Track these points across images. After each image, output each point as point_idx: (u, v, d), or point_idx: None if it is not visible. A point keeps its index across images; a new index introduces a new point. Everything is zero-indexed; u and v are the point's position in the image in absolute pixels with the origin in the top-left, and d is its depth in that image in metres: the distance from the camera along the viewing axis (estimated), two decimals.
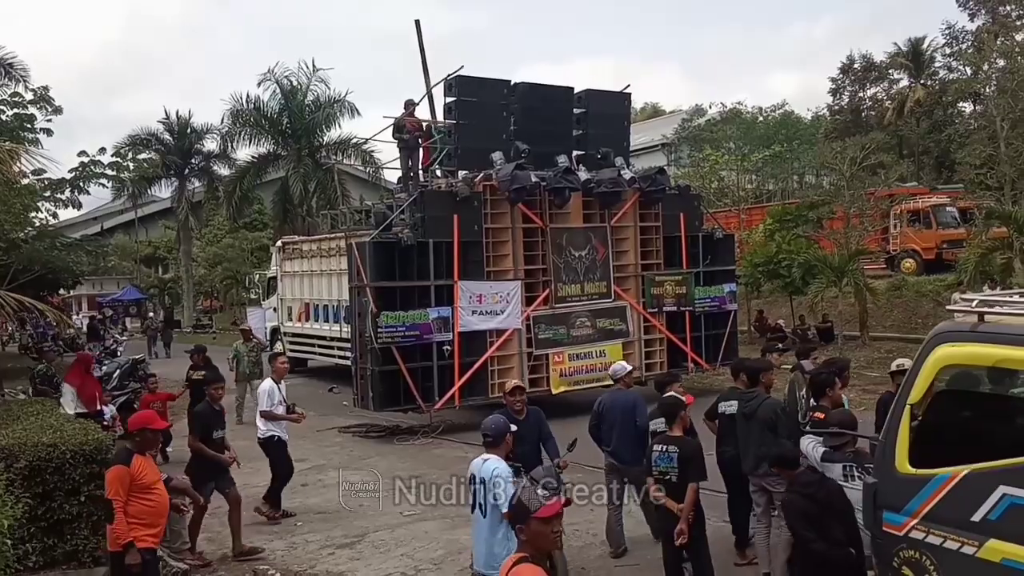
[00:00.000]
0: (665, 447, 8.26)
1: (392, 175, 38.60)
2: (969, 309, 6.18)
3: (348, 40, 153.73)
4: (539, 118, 19.90)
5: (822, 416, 7.96)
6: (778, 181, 51.19)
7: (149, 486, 7.54)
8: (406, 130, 20.05)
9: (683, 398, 9.13)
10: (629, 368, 11.46)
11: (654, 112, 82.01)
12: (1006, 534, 5.55)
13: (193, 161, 52.31)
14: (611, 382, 19.67)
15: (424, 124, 20.55)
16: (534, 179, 18.29)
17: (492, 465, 6.88)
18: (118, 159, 49.87)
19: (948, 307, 6.56)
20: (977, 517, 5.69)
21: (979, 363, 6.12)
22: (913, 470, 6.14)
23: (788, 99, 66.20)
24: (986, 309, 6.09)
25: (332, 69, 64.86)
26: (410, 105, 20.41)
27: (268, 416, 12.31)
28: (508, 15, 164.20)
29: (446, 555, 10.13)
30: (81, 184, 42.32)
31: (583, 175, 19.45)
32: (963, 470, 5.83)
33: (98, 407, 14.80)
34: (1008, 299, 6.47)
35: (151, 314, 50.56)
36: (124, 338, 30.58)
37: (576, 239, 19.56)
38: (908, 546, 6.11)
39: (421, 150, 20.46)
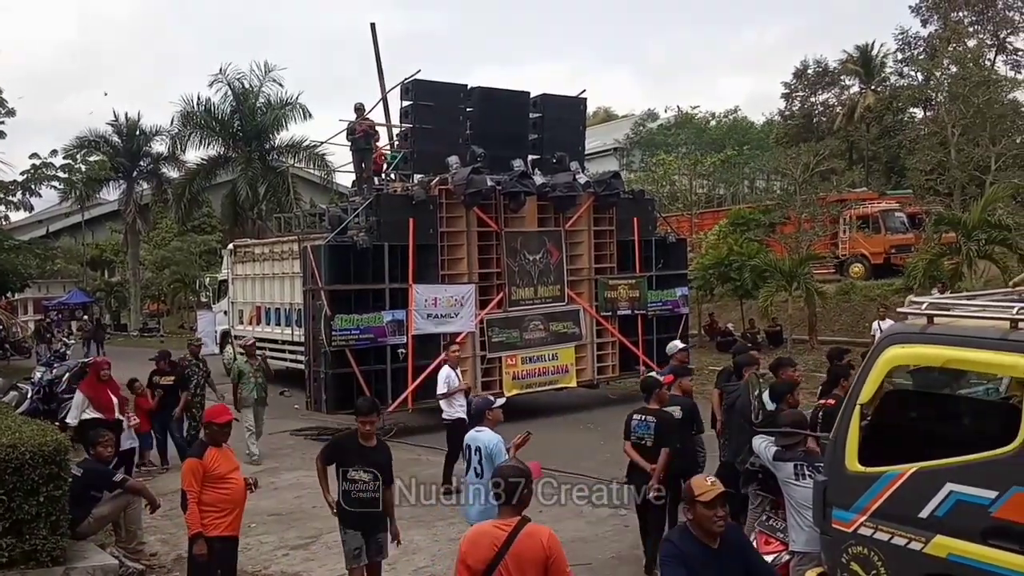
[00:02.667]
0: (644, 416, 9.36)
1: (343, 178, 38.63)
2: (919, 312, 6.31)
3: (300, 40, 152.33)
4: (495, 122, 20.06)
5: (832, 402, 8.55)
6: (729, 186, 51.55)
7: (224, 476, 8.06)
8: (358, 133, 20.10)
9: (662, 379, 10.17)
10: (682, 346, 13.19)
11: (606, 116, 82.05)
12: (953, 530, 5.68)
13: (142, 163, 51.15)
14: (563, 386, 20.21)
15: (376, 127, 20.63)
16: (490, 183, 18.36)
17: (486, 437, 8.09)
18: (71, 161, 48.86)
19: (899, 309, 6.68)
20: (924, 514, 5.83)
21: (928, 364, 6.27)
22: (862, 468, 6.27)
23: (742, 104, 67.04)
24: (935, 311, 6.22)
25: (285, 69, 64.32)
26: (360, 109, 20.49)
27: (448, 395, 13.52)
28: (462, 17, 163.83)
29: (400, 555, 10.01)
30: (32, 186, 41.52)
31: (538, 179, 19.56)
32: (911, 468, 5.96)
33: (116, 415, 13.67)
34: (957, 302, 6.62)
35: (85, 316, 49.82)
36: (72, 341, 30.17)
37: (530, 243, 19.64)
38: (857, 542, 6.23)
39: (373, 153, 20.54)
